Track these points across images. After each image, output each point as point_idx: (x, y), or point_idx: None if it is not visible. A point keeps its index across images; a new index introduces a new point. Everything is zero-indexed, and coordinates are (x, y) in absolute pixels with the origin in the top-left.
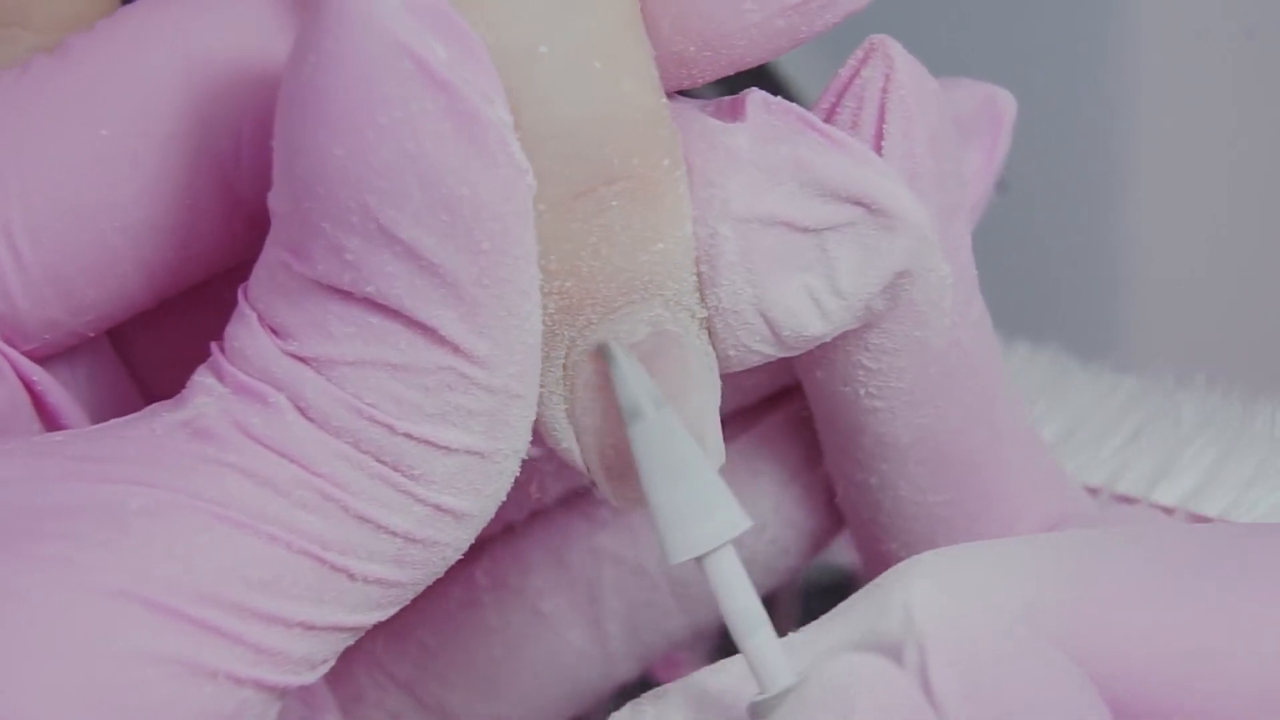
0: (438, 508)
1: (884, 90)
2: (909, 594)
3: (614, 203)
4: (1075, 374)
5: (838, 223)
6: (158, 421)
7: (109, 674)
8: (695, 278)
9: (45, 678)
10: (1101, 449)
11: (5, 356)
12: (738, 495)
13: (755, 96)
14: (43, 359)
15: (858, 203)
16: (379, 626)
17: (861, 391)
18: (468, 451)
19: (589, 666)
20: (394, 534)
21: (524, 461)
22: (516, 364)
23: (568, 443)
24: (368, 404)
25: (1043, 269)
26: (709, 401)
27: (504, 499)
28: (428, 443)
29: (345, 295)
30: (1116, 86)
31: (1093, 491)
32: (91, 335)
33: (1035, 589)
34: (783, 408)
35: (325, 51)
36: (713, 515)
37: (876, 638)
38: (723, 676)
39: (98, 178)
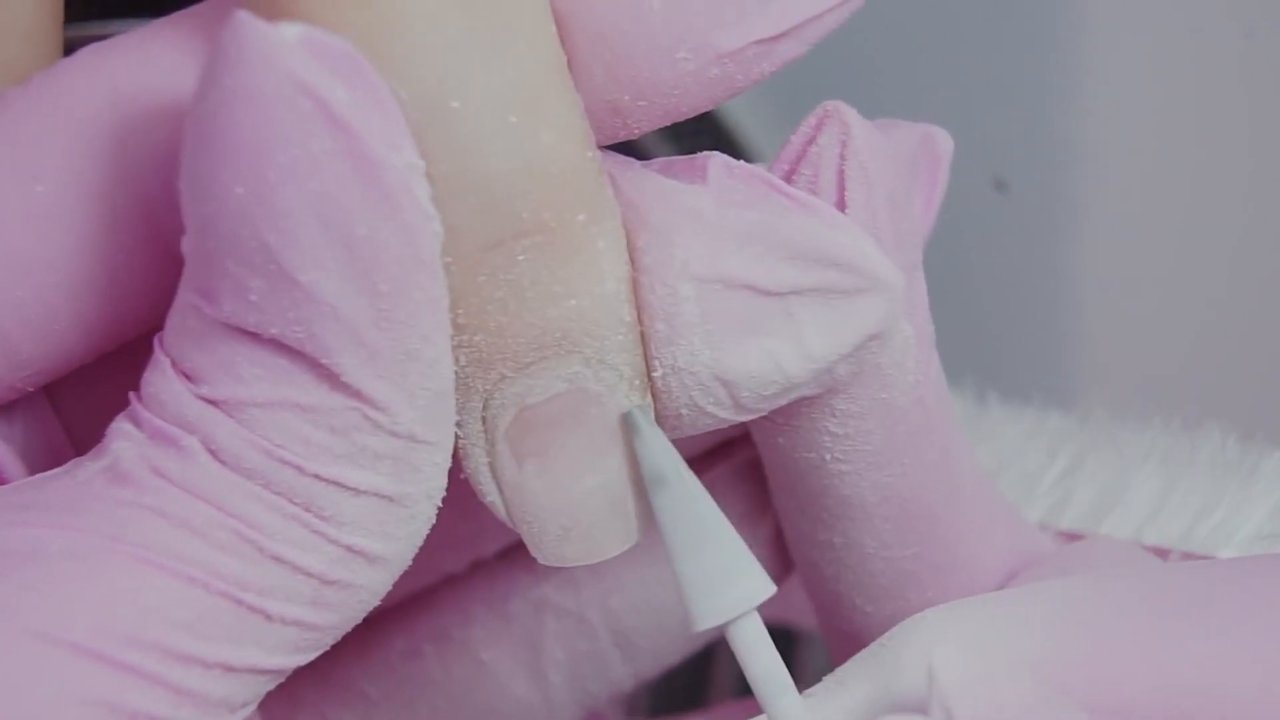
0: (350, 549)
1: (841, 157)
2: (927, 656)
3: (521, 257)
4: (995, 409)
5: (805, 286)
6: (79, 471)
7: (34, 718)
8: (624, 335)
9: None
10: (1036, 485)
11: None
12: None
13: (717, 160)
14: None
15: (830, 264)
16: (321, 677)
17: (828, 456)
18: (376, 494)
19: (531, 716)
20: (309, 574)
21: (466, 511)
22: (419, 410)
23: (491, 495)
24: (277, 445)
25: (961, 304)
26: (630, 473)
27: (419, 543)
28: (336, 484)
29: (252, 337)
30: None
31: (1040, 529)
32: (30, 390)
33: (1045, 642)
34: (725, 460)
35: (225, 89)
36: (738, 582)
37: (895, 698)
38: None
39: (33, 233)
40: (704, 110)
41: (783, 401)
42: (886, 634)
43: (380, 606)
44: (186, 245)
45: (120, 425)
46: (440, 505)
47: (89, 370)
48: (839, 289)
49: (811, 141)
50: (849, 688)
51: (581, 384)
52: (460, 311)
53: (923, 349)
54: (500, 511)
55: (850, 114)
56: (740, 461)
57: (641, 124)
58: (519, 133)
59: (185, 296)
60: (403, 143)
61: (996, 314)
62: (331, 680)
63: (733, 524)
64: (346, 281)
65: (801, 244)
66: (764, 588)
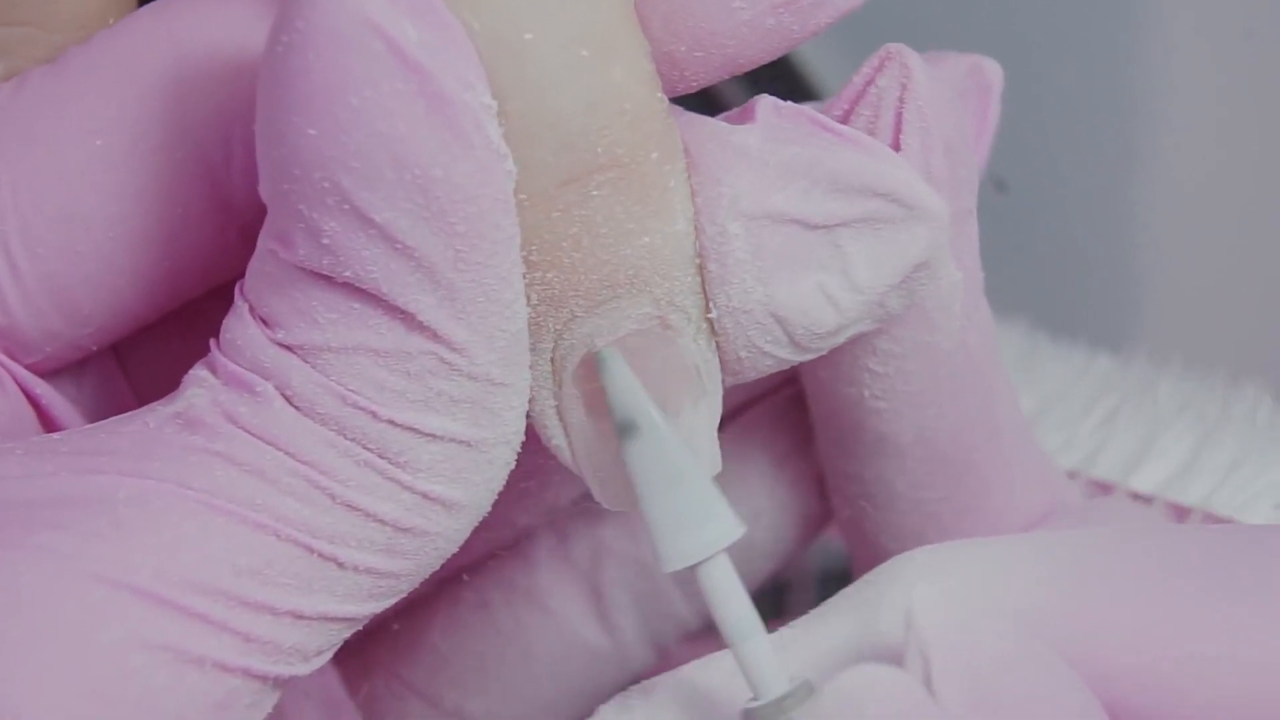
0: (425, 495)
1: (900, 99)
2: (909, 597)
3: (595, 192)
4: (1045, 349)
5: (852, 217)
6: (151, 416)
7: (99, 662)
8: (693, 278)
9: (37, 666)
10: (1078, 429)
11: (5, 369)
12: (729, 481)
13: (765, 101)
14: (48, 374)
15: (874, 194)
16: (393, 633)
17: (866, 393)
18: (453, 439)
19: (604, 661)
20: (382, 522)
21: (540, 465)
22: (498, 351)
23: (557, 439)
24: (351, 390)
25: (1015, 241)
26: (704, 406)
27: (498, 489)
28: (411, 429)
29: (327, 280)
30: (1101, 72)
31: (1070, 476)
32: (94, 349)
33: (1033, 593)
34: (770, 394)
35: (297, 31)
36: (707, 524)
37: (874, 638)
38: (712, 673)
39: (92, 187)
40: (761, 63)
41: (840, 339)
42: (874, 570)
43: (454, 561)
44: (263, 190)
45: (197, 372)
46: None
47: (155, 332)
48: (884, 218)
49: (871, 82)
50: (828, 625)
51: (650, 325)
52: (534, 248)
53: (970, 294)
54: (565, 455)
55: (912, 57)
56: (786, 397)
57: (699, 76)
58: (591, 68)
59: (263, 242)
60: (475, 81)
61: (1052, 254)
62: (402, 636)
63: (777, 459)
64: (421, 222)
65: (846, 176)
66: (732, 530)
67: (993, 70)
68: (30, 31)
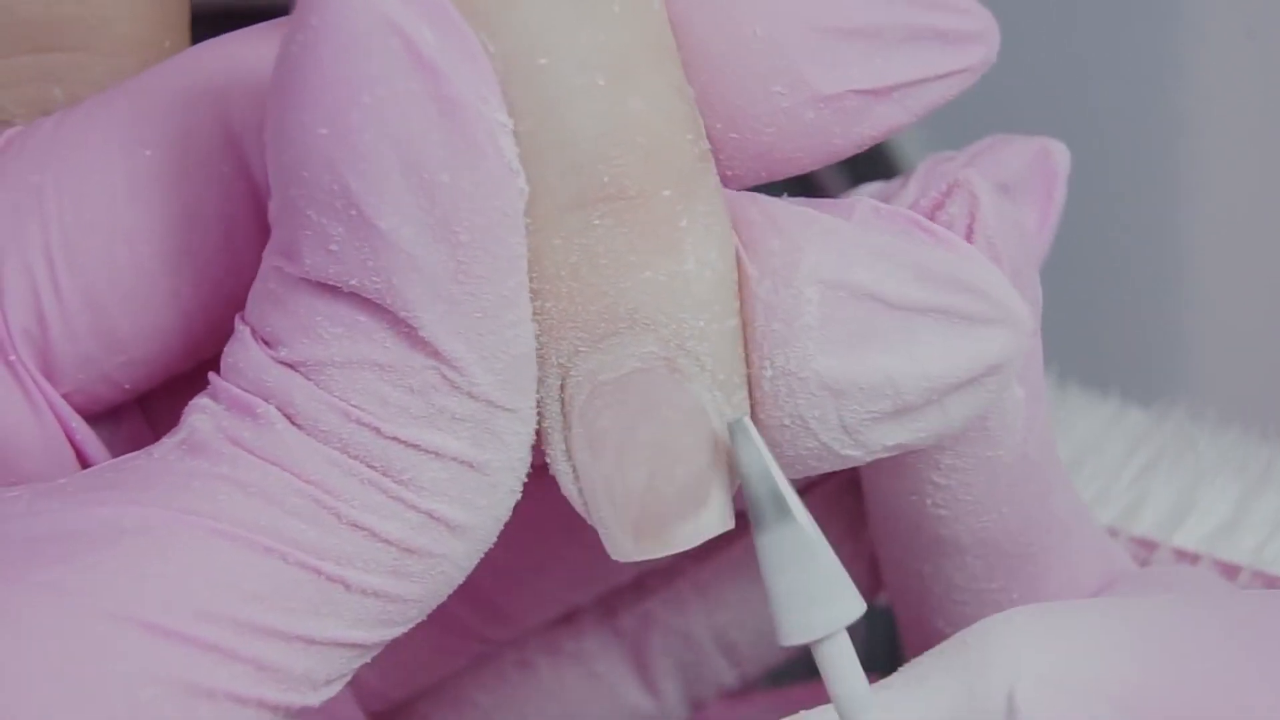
0: (430, 515)
1: (970, 229)
2: (1011, 670)
3: (597, 221)
4: (1077, 398)
5: (933, 306)
6: (155, 448)
7: (107, 699)
8: (705, 325)
9: (46, 706)
10: (1114, 482)
11: (44, 398)
12: None
13: (866, 200)
14: (82, 414)
15: (961, 288)
16: (433, 688)
17: (928, 501)
18: (456, 459)
19: None
20: (388, 542)
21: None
22: (497, 374)
23: (568, 483)
24: (354, 406)
25: (1046, 292)
26: (709, 460)
27: (504, 518)
28: (415, 446)
29: (332, 291)
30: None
31: (1111, 533)
32: (126, 387)
33: (1127, 672)
34: (824, 480)
35: (311, 29)
36: (832, 602)
37: (979, 705)
38: None
39: (137, 200)
40: (803, 169)
41: (890, 434)
42: (970, 630)
43: (499, 638)
44: (272, 206)
45: (198, 401)
46: (561, 531)
47: (185, 395)
48: (966, 314)
49: (940, 207)
50: (929, 685)
51: (655, 365)
52: (534, 275)
53: (1032, 408)
54: (576, 501)
55: (980, 186)
56: (839, 482)
57: (735, 164)
58: (605, 96)
59: (268, 262)
60: (491, 97)
61: (1082, 305)
62: (443, 691)
63: (831, 541)
64: (426, 229)
65: (934, 267)
66: (855, 608)
67: (1060, 154)
68: (84, 57)
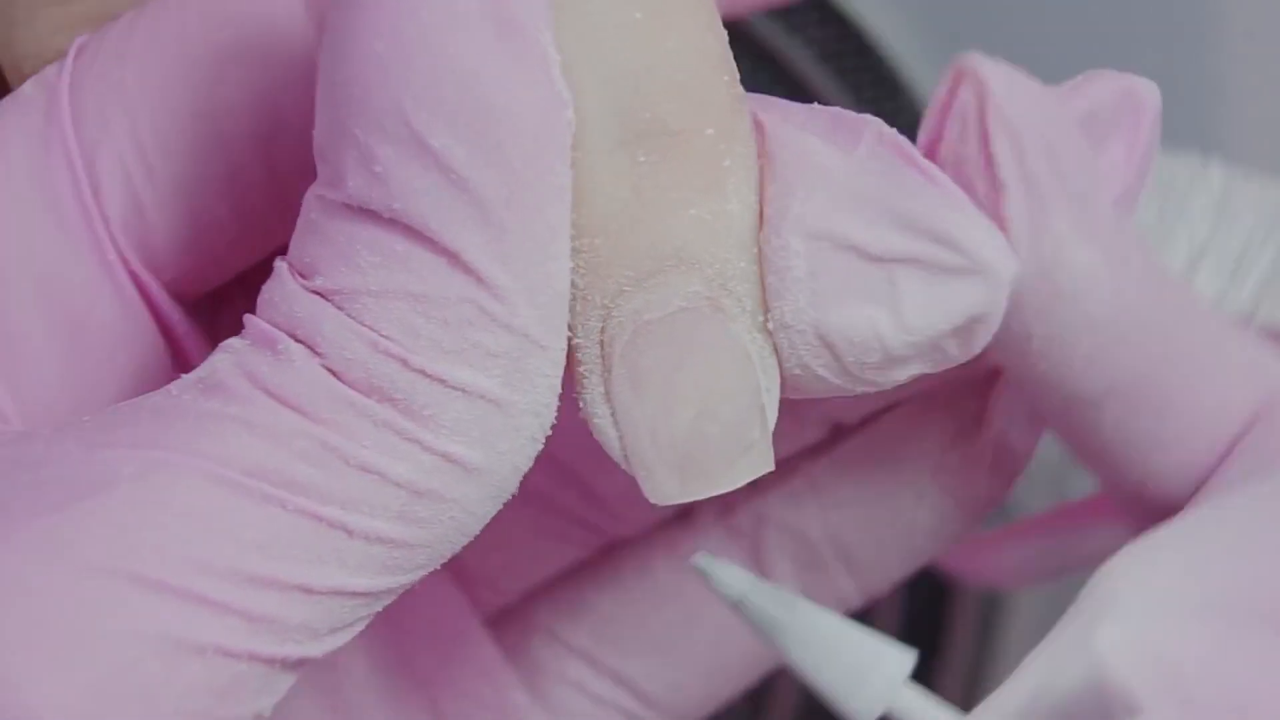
0: (445, 456)
1: (982, 112)
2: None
3: (642, 158)
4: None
5: (909, 256)
6: (175, 384)
7: (93, 658)
8: (748, 266)
9: (30, 665)
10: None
11: (146, 295)
12: (895, 463)
13: (873, 125)
14: (190, 298)
15: (936, 239)
16: (553, 598)
17: (1041, 367)
18: (483, 397)
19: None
20: (397, 484)
21: None
22: (539, 307)
23: (605, 427)
24: (384, 336)
25: None
26: (754, 401)
27: (523, 467)
28: (441, 380)
29: (373, 217)
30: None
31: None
32: (229, 264)
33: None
34: (943, 378)
35: None
36: (876, 668)
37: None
38: None
39: (220, 80)
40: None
41: (894, 374)
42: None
43: (604, 526)
44: (316, 135)
45: (227, 341)
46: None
47: None
48: (941, 265)
49: (952, 97)
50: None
51: (700, 304)
52: (583, 212)
53: (1115, 258)
54: (613, 445)
55: (985, 67)
56: (961, 379)
57: None
58: (645, 31)
59: (309, 194)
60: (545, 26)
61: None
62: (561, 597)
63: (943, 444)
64: (479, 152)
65: (913, 213)
66: (903, 660)
67: (1149, 91)
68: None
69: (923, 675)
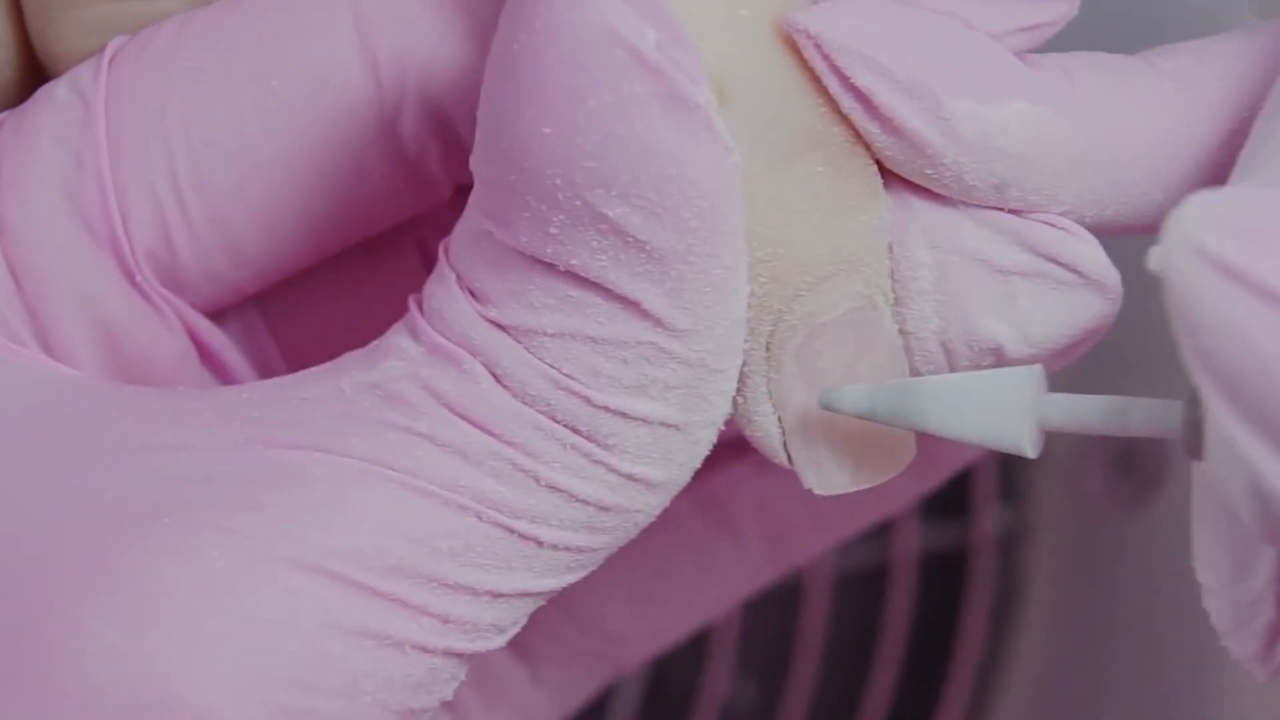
0: (630, 477)
1: (828, 61)
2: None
3: (819, 168)
4: None
5: (1031, 270)
6: (345, 380)
7: (298, 650)
8: (888, 263)
9: (232, 653)
10: None
11: (171, 306)
12: None
13: None
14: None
15: (1051, 259)
16: None
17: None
18: (663, 423)
19: (737, 570)
20: (585, 502)
21: None
22: (717, 339)
23: (765, 427)
24: (565, 375)
25: None
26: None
27: (698, 467)
28: (623, 415)
29: (548, 267)
30: None
31: None
32: (249, 292)
33: None
34: None
35: (535, 33)
36: (1010, 396)
37: None
38: None
39: (266, 130)
40: None
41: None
42: None
43: None
44: (480, 168)
45: (396, 339)
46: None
47: (298, 292)
48: (1060, 280)
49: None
50: None
51: (863, 304)
52: (767, 224)
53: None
54: (774, 442)
55: (798, 18)
56: None
57: None
58: (780, 45)
59: (476, 219)
60: (701, 79)
61: None
62: None
63: None
64: (654, 217)
65: (1028, 235)
66: (1030, 375)
67: None
68: (156, 5)
69: (933, 670)
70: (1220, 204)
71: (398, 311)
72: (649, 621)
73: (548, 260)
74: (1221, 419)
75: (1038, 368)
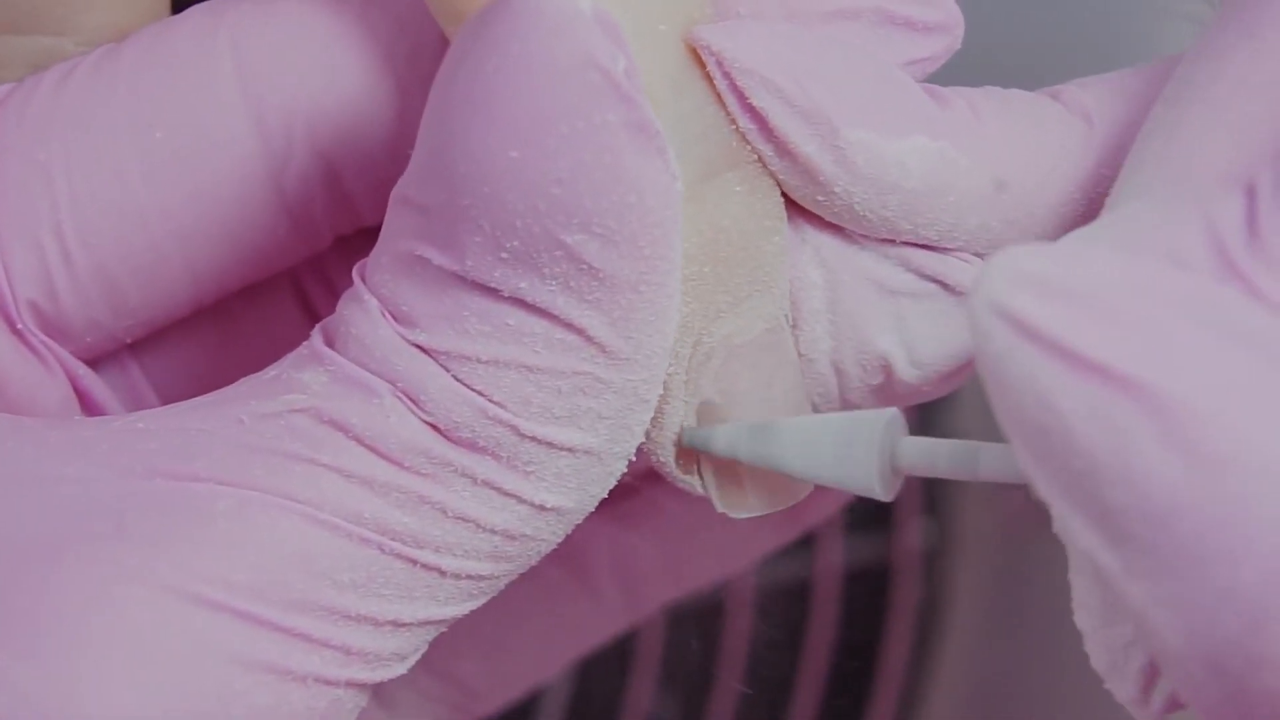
0: (541, 506)
1: (727, 75)
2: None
3: (738, 188)
4: None
5: (918, 292)
6: (245, 411)
7: (200, 686)
8: (788, 283)
9: (139, 690)
10: None
11: (53, 353)
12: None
13: None
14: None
15: (934, 280)
16: None
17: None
18: (587, 453)
19: (590, 621)
20: (493, 532)
21: None
22: (651, 369)
23: (666, 451)
24: (495, 403)
25: None
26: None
27: (603, 495)
28: (549, 444)
29: (490, 292)
30: None
31: None
32: (128, 341)
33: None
34: None
35: (511, 56)
36: (862, 438)
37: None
38: None
39: (150, 181)
40: None
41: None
42: None
43: None
44: (420, 195)
45: (297, 372)
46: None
47: (174, 337)
48: (948, 303)
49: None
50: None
51: (775, 324)
52: (693, 240)
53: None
54: (672, 469)
55: (705, 33)
56: None
57: None
58: (694, 67)
59: (403, 243)
60: (646, 102)
61: None
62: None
63: None
64: (611, 245)
65: (913, 259)
66: (884, 419)
67: None
68: (56, 42)
69: (857, 684)
70: (1024, 261)
71: (274, 356)
72: (500, 671)
73: (492, 285)
74: (1031, 475)
75: (894, 410)
